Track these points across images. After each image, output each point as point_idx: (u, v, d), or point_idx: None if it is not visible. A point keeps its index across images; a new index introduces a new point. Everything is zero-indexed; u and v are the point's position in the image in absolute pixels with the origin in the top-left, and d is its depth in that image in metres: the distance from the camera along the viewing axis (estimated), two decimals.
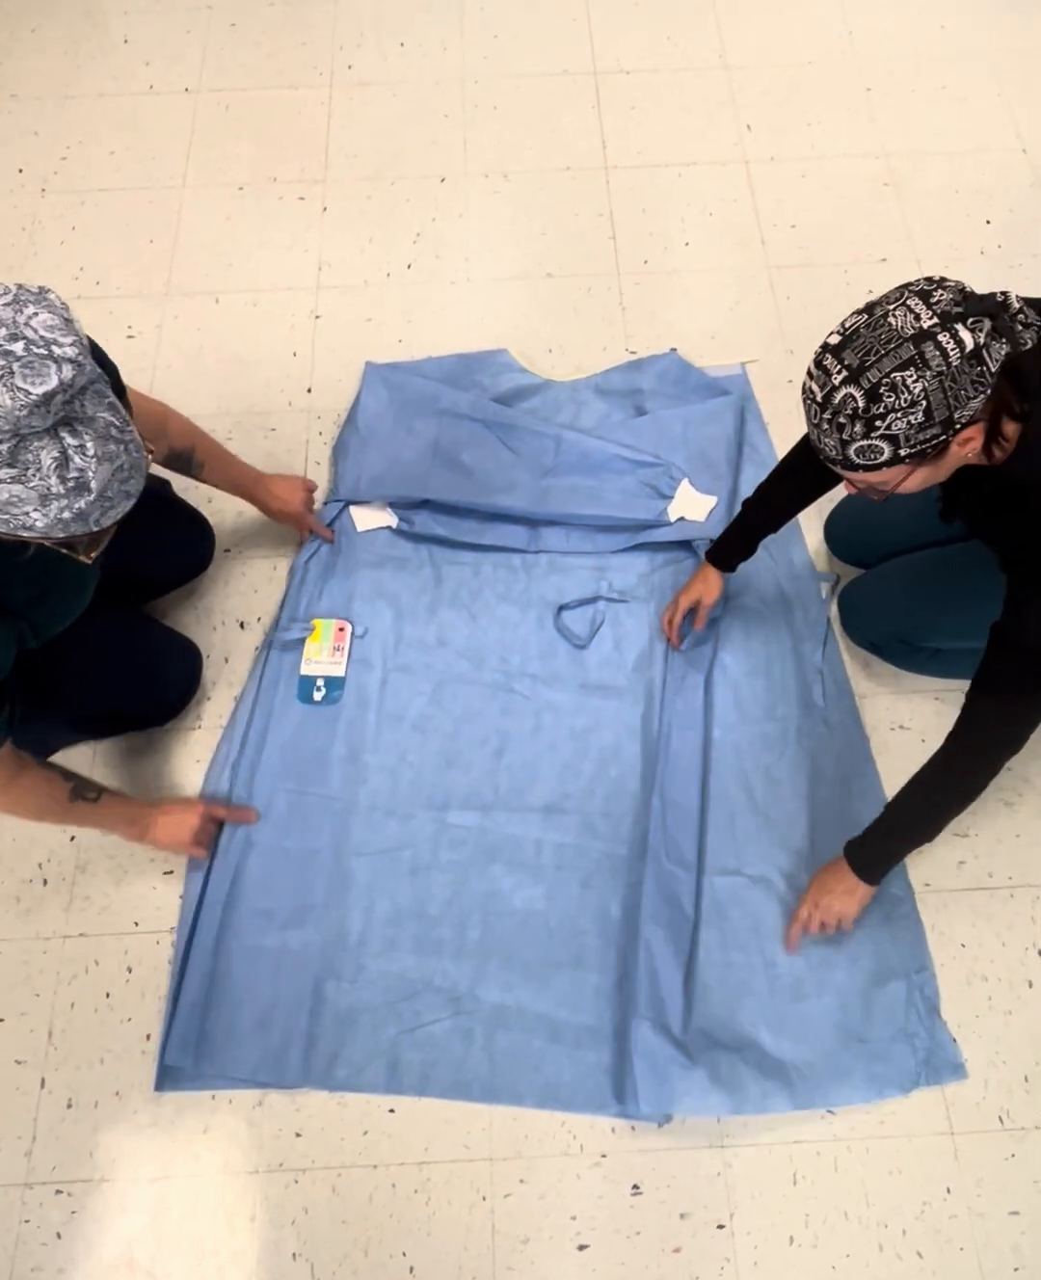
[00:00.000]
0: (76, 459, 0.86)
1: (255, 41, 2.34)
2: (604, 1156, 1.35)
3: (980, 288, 2.05)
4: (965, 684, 1.61)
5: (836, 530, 1.68)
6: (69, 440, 0.86)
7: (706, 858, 1.49)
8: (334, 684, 1.63)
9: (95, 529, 0.93)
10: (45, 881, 1.52)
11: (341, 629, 1.67)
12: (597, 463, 1.76)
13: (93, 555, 1.02)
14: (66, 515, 0.88)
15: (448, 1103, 1.37)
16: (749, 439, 1.83)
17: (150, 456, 0.99)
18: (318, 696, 1.62)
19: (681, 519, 1.72)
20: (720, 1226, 1.31)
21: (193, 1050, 1.37)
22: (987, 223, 2.07)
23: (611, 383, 1.90)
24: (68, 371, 0.82)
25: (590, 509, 1.72)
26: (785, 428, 1.84)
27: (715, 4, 2.38)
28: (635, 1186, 1.33)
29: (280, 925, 1.46)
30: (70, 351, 0.83)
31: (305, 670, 1.64)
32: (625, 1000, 1.39)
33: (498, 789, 1.57)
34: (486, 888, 1.49)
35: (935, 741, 1.57)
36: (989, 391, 0.98)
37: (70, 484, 0.86)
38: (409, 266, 2.05)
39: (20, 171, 2.18)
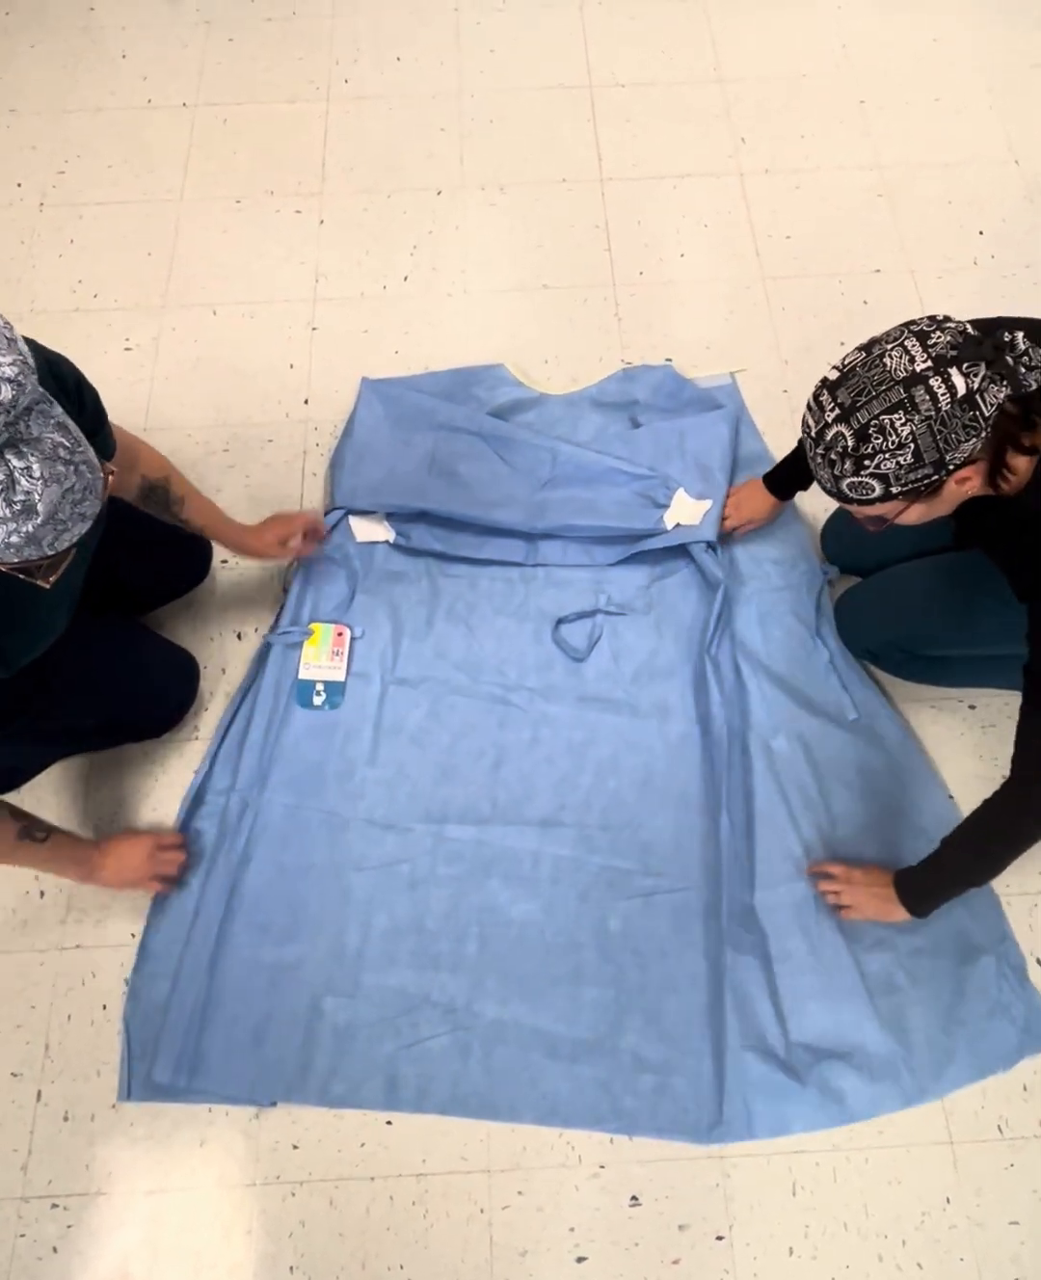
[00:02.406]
0: (23, 481, 0.84)
1: (252, 56, 2.36)
2: (602, 1168, 1.34)
3: (972, 298, 2.07)
4: (963, 692, 1.63)
5: (833, 539, 1.68)
6: (14, 462, 0.83)
7: (768, 868, 1.48)
8: (334, 689, 1.63)
9: (50, 553, 0.90)
10: (42, 894, 1.52)
11: (340, 634, 1.67)
12: (594, 475, 1.76)
13: (51, 580, 0.98)
14: (15, 540, 0.85)
15: (445, 1115, 1.37)
16: (743, 447, 1.83)
17: (111, 478, 0.97)
18: (317, 701, 1.62)
19: (677, 525, 1.72)
20: (719, 1238, 1.31)
21: (187, 1068, 1.36)
22: (980, 233, 2.08)
23: (606, 394, 1.90)
24: (7, 392, 0.80)
25: (587, 520, 1.72)
26: (779, 437, 1.85)
27: (709, 18, 2.40)
28: (633, 1198, 1.33)
29: (277, 940, 1.45)
30: (9, 371, 0.81)
31: (304, 674, 1.63)
32: (715, 1034, 1.38)
33: (495, 802, 1.56)
34: (484, 902, 1.49)
35: (932, 749, 1.59)
36: (984, 433, 0.99)
37: (17, 507, 0.84)
38: (405, 278, 2.06)
39: (19, 185, 2.19)
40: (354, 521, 1.76)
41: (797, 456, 1.55)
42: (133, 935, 1.48)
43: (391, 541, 1.75)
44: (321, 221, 2.13)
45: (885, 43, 2.35)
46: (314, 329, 2.01)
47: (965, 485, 1.04)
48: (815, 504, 1.78)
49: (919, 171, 2.17)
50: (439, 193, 2.16)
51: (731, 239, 2.10)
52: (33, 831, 1.28)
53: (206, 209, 2.15)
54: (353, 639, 1.67)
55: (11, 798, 1.56)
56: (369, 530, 1.76)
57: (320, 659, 1.65)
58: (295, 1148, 1.36)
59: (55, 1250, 1.31)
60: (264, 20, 2.42)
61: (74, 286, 2.06)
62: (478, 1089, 1.37)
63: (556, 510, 1.74)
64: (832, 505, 1.70)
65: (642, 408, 1.88)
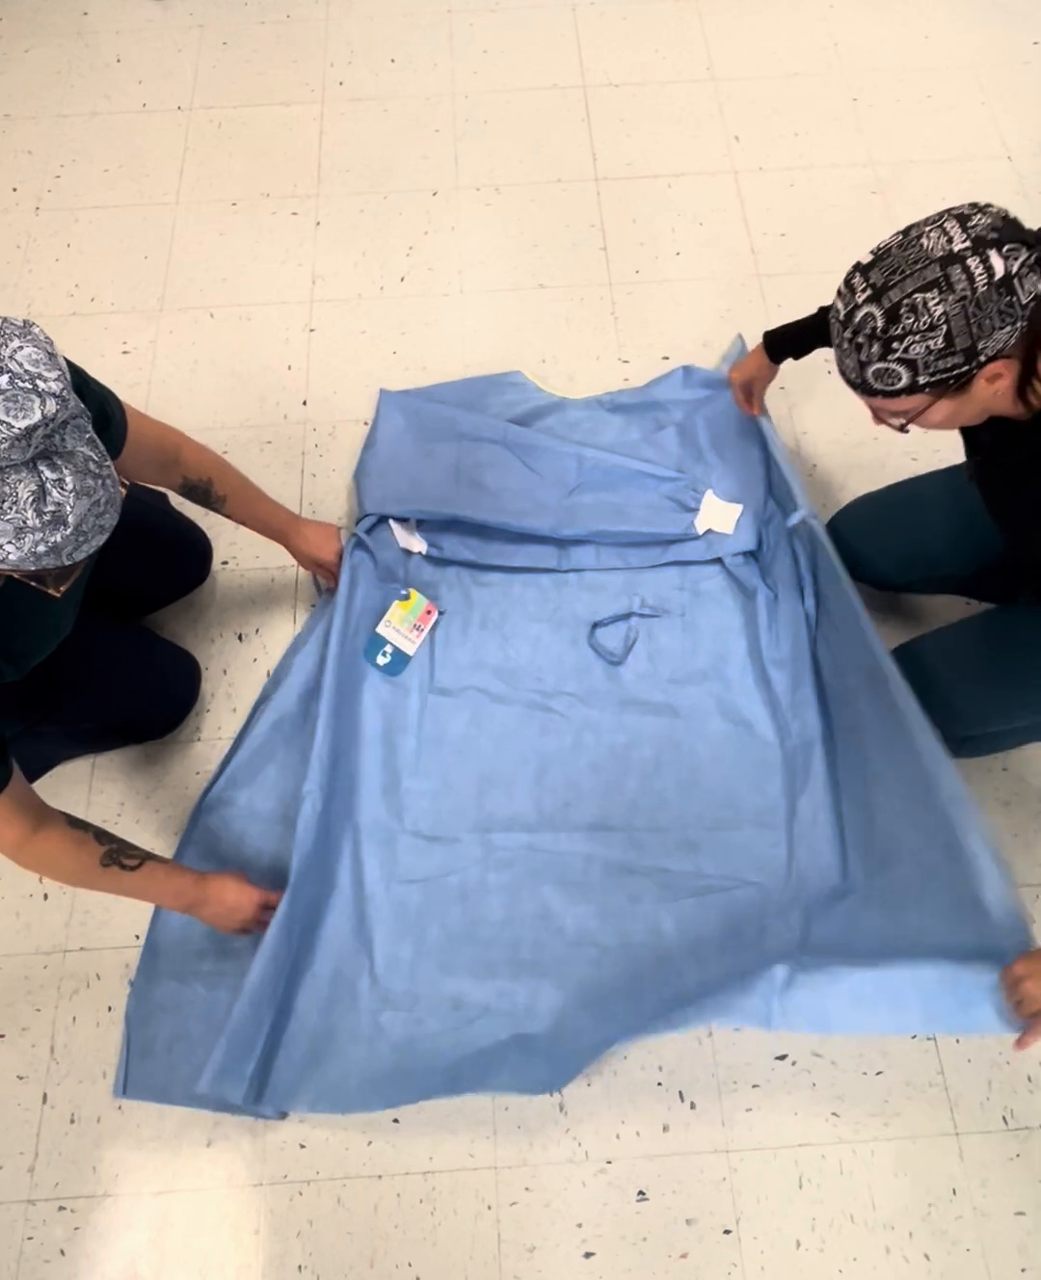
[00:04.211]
0: (55, 493, 0.86)
1: (246, 59, 2.37)
2: (609, 1163, 1.34)
3: None
4: None
5: (845, 543, 1.61)
6: (48, 474, 0.85)
7: (861, 870, 1.43)
8: (400, 658, 1.63)
9: (68, 563, 0.92)
10: (46, 896, 1.52)
11: (430, 611, 1.68)
12: (620, 479, 1.75)
13: (62, 589, 1.01)
14: (41, 549, 0.87)
15: (452, 1112, 1.37)
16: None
17: (124, 488, 0.98)
18: (382, 660, 1.61)
19: (709, 531, 1.71)
20: (726, 1232, 1.31)
21: (253, 1085, 1.30)
22: None
23: (624, 397, 1.89)
24: (51, 406, 0.82)
25: (617, 525, 1.71)
26: (780, 429, 1.84)
27: (702, 17, 2.41)
28: (641, 1193, 1.33)
29: (333, 956, 1.43)
30: (55, 386, 0.83)
31: (382, 630, 1.62)
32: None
33: (541, 809, 1.55)
34: (537, 909, 1.47)
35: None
36: (1019, 324, 0.95)
37: (47, 517, 0.86)
38: (402, 279, 2.07)
39: (15, 190, 2.19)
40: (395, 527, 1.73)
41: (803, 324, 1.50)
42: (137, 936, 1.48)
43: (424, 553, 1.73)
44: (317, 223, 2.14)
45: (877, 40, 2.36)
46: (311, 331, 2.01)
47: (994, 384, 1.00)
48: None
49: (912, 168, 2.18)
50: (434, 194, 2.17)
51: (726, 237, 2.10)
52: (121, 857, 1.24)
53: (202, 212, 2.16)
54: (436, 622, 1.68)
55: None
56: (404, 540, 1.73)
57: (403, 624, 1.64)
58: (302, 1147, 1.36)
59: (62, 1252, 1.31)
60: (257, 24, 2.42)
61: (71, 290, 2.06)
62: (542, 1074, 1.33)
63: (586, 516, 1.72)
64: (835, 507, 1.70)
65: (665, 406, 1.86)
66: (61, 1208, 1.34)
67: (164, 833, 1.56)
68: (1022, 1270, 1.28)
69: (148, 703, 1.59)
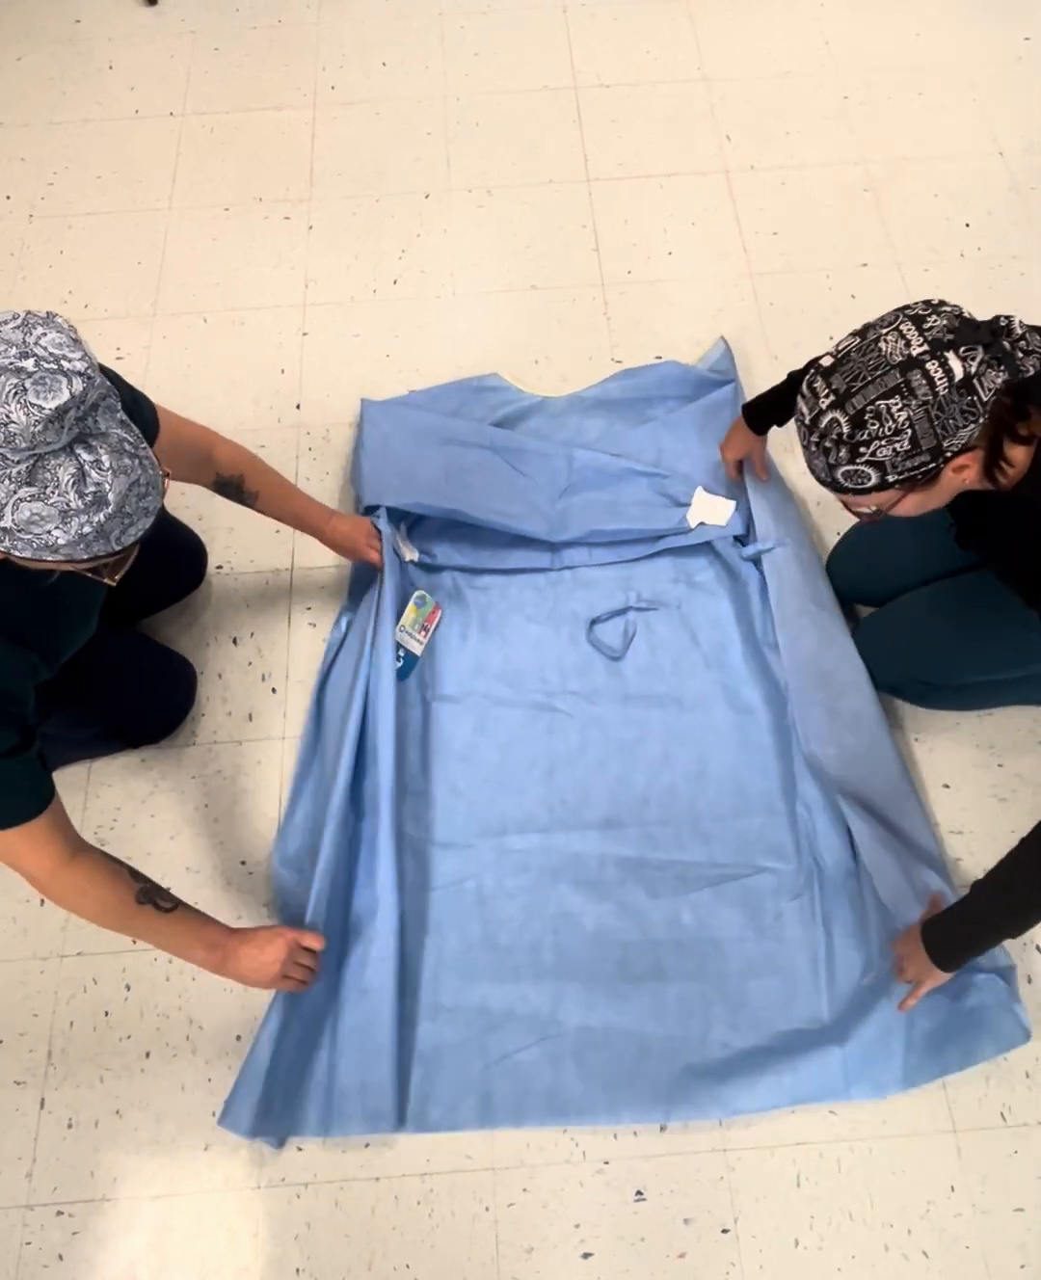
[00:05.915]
0: (93, 474, 0.87)
1: (238, 64, 2.37)
2: (606, 1163, 1.34)
3: (959, 291, 2.08)
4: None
5: (841, 566, 1.65)
6: (85, 456, 0.87)
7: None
8: (410, 661, 1.63)
9: (117, 548, 0.93)
10: (42, 902, 1.52)
11: (436, 612, 1.69)
12: (612, 477, 1.75)
13: (116, 578, 1.02)
14: (87, 531, 0.88)
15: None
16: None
17: (167, 477, 0.99)
18: (396, 663, 1.61)
19: (701, 524, 1.71)
20: (725, 1231, 1.30)
21: (274, 1115, 1.31)
22: (967, 226, 2.09)
23: (609, 393, 1.88)
24: (78, 385, 0.83)
25: (611, 524, 1.71)
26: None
27: (693, 17, 2.41)
28: (638, 1193, 1.33)
29: (353, 972, 1.41)
30: (80, 366, 0.84)
31: (396, 634, 1.62)
32: (810, 1013, 1.38)
33: (552, 810, 1.55)
34: (555, 909, 1.47)
35: (928, 739, 1.59)
36: (981, 420, 0.97)
37: (88, 498, 0.87)
38: (395, 282, 2.07)
39: (8, 198, 2.20)
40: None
41: (778, 390, 1.48)
42: (132, 941, 1.48)
43: (416, 560, 1.73)
44: (310, 227, 2.14)
45: (868, 38, 2.36)
46: (304, 334, 2.01)
47: (962, 474, 1.02)
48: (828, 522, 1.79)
49: (904, 166, 2.18)
50: (426, 196, 2.17)
51: (718, 236, 2.10)
52: (155, 897, 1.19)
53: (195, 217, 2.16)
54: (439, 622, 1.68)
55: None
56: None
57: (413, 627, 1.64)
58: (299, 1150, 1.36)
59: (61, 1257, 1.31)
60: (249, 28, 2.43)
61: (65, 297, 2.06)
62: (575, 1096, 1.34)
63: (579, 516, 1.72)
64: (839, 531, 1.71)
65: (651, 402, 1.87)
66: (60, 1212, 1.34)
67: (160, 836, 1.56)
68: (1022, 1267, 1.27)
69: (145, 707, 1.59)
